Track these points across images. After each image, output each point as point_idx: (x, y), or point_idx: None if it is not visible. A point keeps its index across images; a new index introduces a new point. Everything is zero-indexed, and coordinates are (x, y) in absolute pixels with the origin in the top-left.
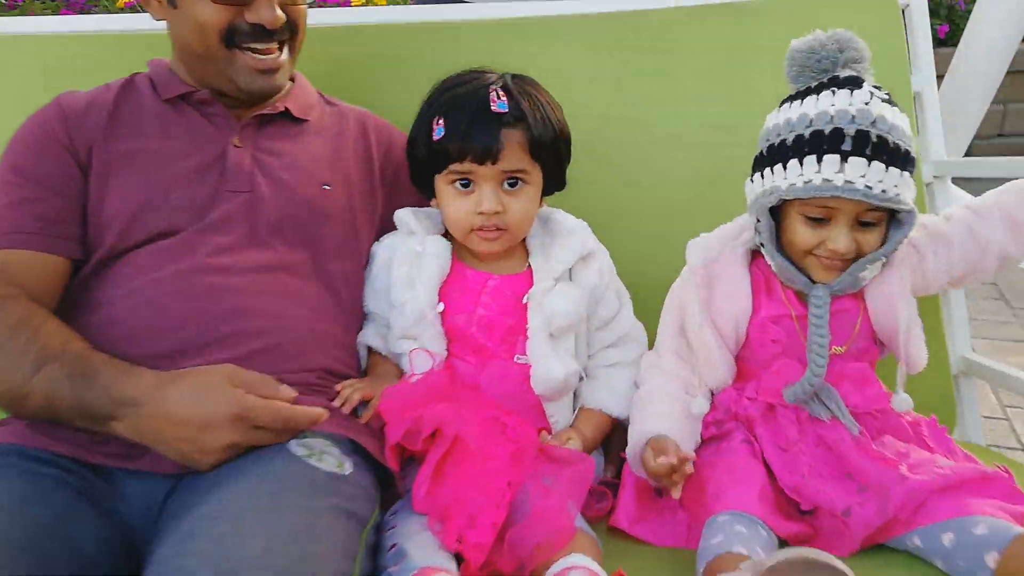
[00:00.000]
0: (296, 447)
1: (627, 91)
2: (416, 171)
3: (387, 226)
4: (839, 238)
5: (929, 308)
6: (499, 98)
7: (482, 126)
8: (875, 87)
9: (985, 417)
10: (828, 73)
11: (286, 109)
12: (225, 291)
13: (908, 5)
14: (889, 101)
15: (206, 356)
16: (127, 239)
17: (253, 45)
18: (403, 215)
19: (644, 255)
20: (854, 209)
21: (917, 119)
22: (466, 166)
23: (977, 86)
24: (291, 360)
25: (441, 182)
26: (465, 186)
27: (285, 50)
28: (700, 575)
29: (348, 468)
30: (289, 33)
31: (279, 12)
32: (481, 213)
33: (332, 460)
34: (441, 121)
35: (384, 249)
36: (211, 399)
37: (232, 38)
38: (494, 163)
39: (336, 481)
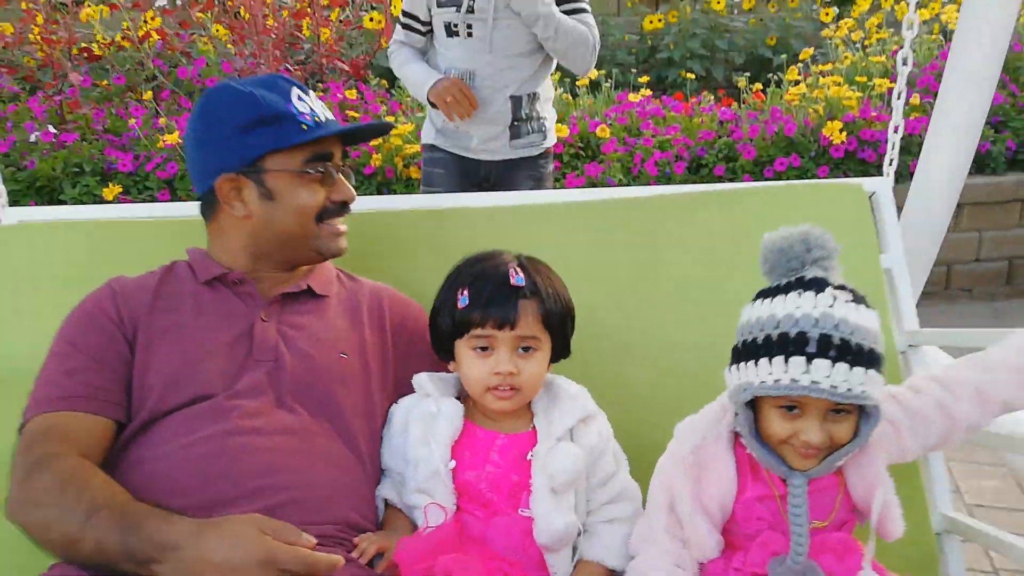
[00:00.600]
0: None
1: (621, 271)
2: (438, 337)
3: (400, 387)
4: (811, 431)
5: (909, 469)
6: (517, 273)
7: (502, 297)
8: (840, 287)
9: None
10: (796, 272)
11: (308, 287)
12: (255, 451)
13: (875, 192)
14: (855, 300)
15: (238, 508)
16: (166, 403)
17: (335, 219)
18: (421, 379)
19: (637, 419)
20: (823, 404)
21: (888, 294)
22: (487, 331)
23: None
24: (315, 513)
25: (462, 346)
26: (484, 350)
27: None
28: None
29: None
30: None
31: (352, 192)
32: (497, 373)
33: None
34: (466, 292)
35: (401, 411)
36: (242, 544)
37: (322, 216)
38: (512, 329)
39: None
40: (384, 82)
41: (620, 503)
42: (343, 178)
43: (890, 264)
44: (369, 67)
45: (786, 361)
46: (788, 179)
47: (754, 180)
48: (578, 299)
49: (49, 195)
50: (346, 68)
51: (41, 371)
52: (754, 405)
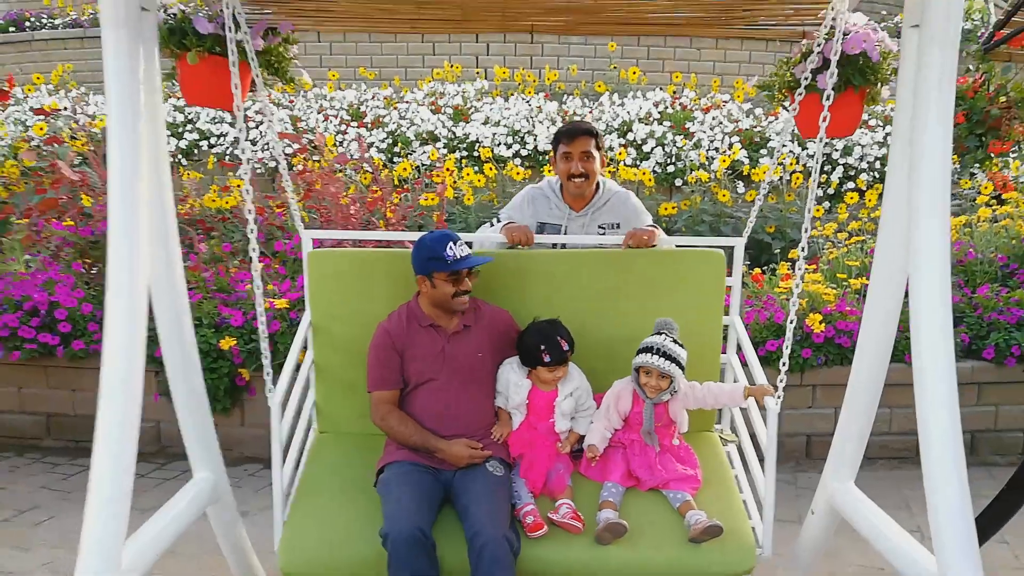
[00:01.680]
0: (486, 465)
1: (591, 304)
2: (526, 358)
3: (502, 358)
4: (651, 382)
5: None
6: (567, 342)
7: (560, 357)
8: (672, 337)
9: None
10: (658, 329)
11: (463, 325)
12: (453, 403)
13: (733, 247)
14: (676, 341)
15: (451, 432)
16: (415, 382)
17: (462, 297)
18: (513, 364)
19: (599, 379)
20: (657, 372)
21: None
22: (553, 366)
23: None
24: (477, 430)
25: (541, 370)
26: (551, 371)
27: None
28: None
29: (500, 471)
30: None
31: (470, 284)
32: (553, 377)
33: (498, 467)
34: (547, 355)
35: (503, 372)
36: (459, 446)
37: (454, 296)
38: (561, 365)
39: (498, 479)
40: None
41: (588, 410)
42: (466, 281)
43: (732, 321)
44: None
45: (648, 354)
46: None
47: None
48: (573, 322)
49: None
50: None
51: (369, 368)
52: (638, 371)
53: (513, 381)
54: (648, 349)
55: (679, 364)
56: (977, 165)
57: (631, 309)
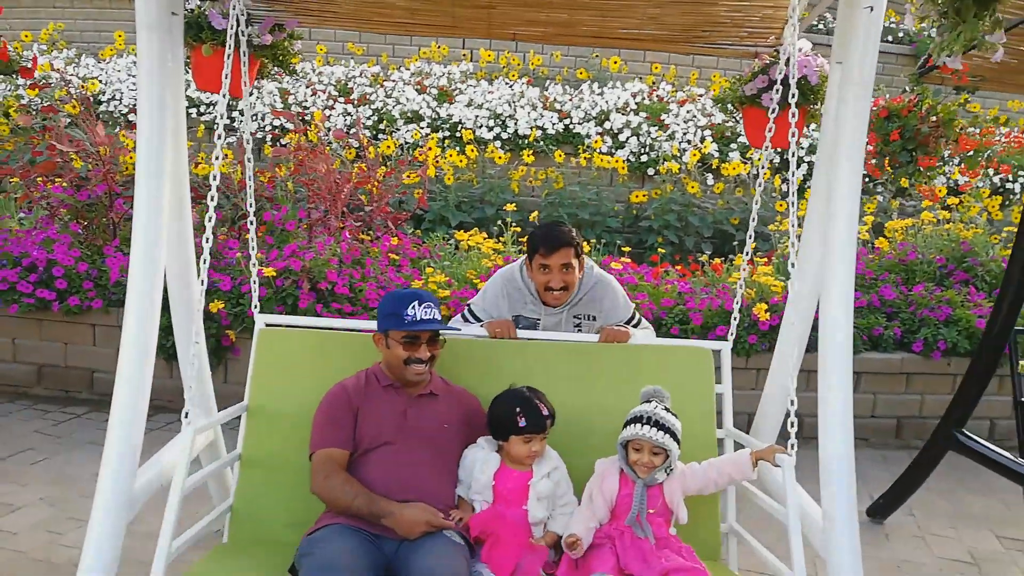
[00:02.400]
0: (447, 533)
1: (571, 388)
2: (499, 429)
3: (467, 442)
4: (644, 458)
5: (712, 498)
6: (547, 408)
7: (540, 423)
8: (664, 406)
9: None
10: (647, 396)
11: (430, 391)
12: (409, 474)
13: (720, 351)
14: (667, 410)
15: (407, 498)
16: (368, 446)
17: (415, 365)
18: (481, 441)
19: (577, 464)
20: (649, 445)
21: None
22: (532, 436)
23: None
24: (436, 502)
25: (516, 439)
26: (528, 442)
27: (429, 365)
28: None
29: (460, 541)
30: (431, 360)
31: (427, 353)
32: (534, 451)
33: (458, 537)
34: (523, 418)
35: (470, 453)
36: (418, 511)
37: (407, 362)
38: (543, 433)
39: (457, 545)
40: (418, 232)
41: (567, 504)
42: (424, 348)
43: (721, 392)
44: (407, 221)
45: (637, 425)
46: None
47: (700, 339)
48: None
49: (164, 303)
50: (390, 225)
51: (315, 425)
52: (626, 447)
53: (479, 459)
54: (637, 420)
55: (674, 436)
56: (908, 177)
57: (611, 405)
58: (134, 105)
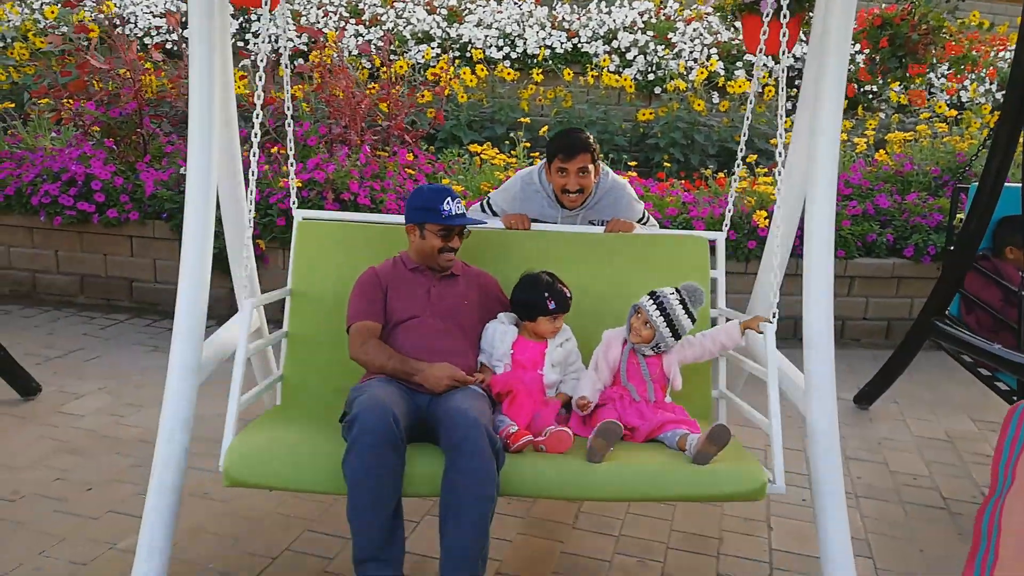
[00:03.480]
0: (472, 387)
1: (583, 270)
2: (525, 310)
3: (487, 318)
4: (636, 326)
5: (704, 366)
6: (568, 290)
7: (564, 304)
8: (682, 299)
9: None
10: (683, 287)
11: (451, 272)
12: (435, 341)
13: (715, 240)
14: (684, 306)
15: (436, 360)
16: (396, 319)
17: (447, 254)
18: (502, 316)
19: (587, 335)
20: (645, 318)
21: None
22: (557, 316)
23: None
24: (462, 367)
25: (543, 319)
26: (554, 319)
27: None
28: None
29: (483, 394)
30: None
31: (458, 243)
32: (556, 328)
33: (481, 391)
34: (553, 301)
35: (491, 326)
36: (443, 368)
37: (441, 251)
38: (564, 312)
39: (481, 394)
40: (431, 148)
41: (576, 371)
42: (456, 239)
43: (715, 277)
44: (424, 139)
45: (649, 298)
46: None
47: None
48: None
49: None
50: (408, 140)
51: (351, 303)
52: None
53: (500, 331)
54: (651, 294)
55: (672, 325)
56: (900, 84)
57: (619, 286)
58: (149, 27)
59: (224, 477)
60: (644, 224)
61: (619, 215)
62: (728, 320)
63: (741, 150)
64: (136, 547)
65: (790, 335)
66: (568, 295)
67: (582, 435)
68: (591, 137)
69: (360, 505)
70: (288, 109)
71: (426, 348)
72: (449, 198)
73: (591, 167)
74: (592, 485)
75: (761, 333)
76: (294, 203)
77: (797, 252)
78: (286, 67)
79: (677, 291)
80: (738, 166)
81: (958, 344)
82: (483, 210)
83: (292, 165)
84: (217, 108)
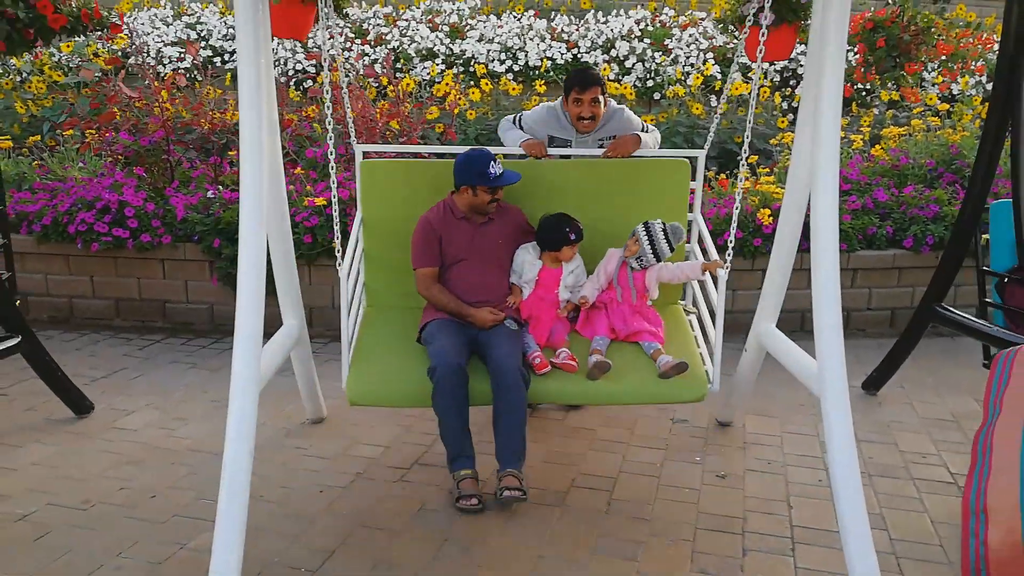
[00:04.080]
0: (505, 323)
1: (591, 197)
2: (550, 242)
3: (518, 244)
4: (628, 243)
5: (676, 288)
6: (581, 225)
7: (580, 232)
8: (666, 231)
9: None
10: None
11: (489, 217)
12: (479, 277)
13: (696, 157)
14: (667, 237)
15: (479, 300)
16: (449, 262)
17: (494, 203)
18: (528, 246)
19: (592, 252)
20: (635, 240)
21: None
22: (573, 244)
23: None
24: (497, 299)
25: (566, 247)
26: (574, 246)
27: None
28: (590, 365)
29: (515, 327)
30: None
31: (501, 194)
32: (571, 257)
33: (513, 324)
34: (572, 233)
35: (519, 255)
36: (486, 314)
37: (489, 203)
38: (579, 242)
39: (513, 332)
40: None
41: (581, 286)
42: (500, 191)
43: (695, 217)
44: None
45: (640, 225)
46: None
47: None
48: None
49: (228, 236)
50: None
51: (414, 247)
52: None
53: (528, 261)
54: (645, 224)
55: (654, 248)
56: (893, 82)
57: (614, 207)
58: (160, 55)
59: (348, 400)
60: (646, 132)
61: (623, 131)
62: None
63: (745, 151)
64: (206, 545)
65: (797, 327)
66: (582, 227)
67: (583, 335)
68: (600, 74)
69: (447, 426)
70: (336, 85)
71: (473, 286)
72: (492, 162)
73: (601, 98)
74: (590, 396)
75: (715, 275)
76: (353, 140)
77: (803, 247)
78: (349, 85)
79: (663, 224)
80: (743, 163)
81: (957, 327)
82: (512, 123)
83: (348, 105)
84: (266, 133)
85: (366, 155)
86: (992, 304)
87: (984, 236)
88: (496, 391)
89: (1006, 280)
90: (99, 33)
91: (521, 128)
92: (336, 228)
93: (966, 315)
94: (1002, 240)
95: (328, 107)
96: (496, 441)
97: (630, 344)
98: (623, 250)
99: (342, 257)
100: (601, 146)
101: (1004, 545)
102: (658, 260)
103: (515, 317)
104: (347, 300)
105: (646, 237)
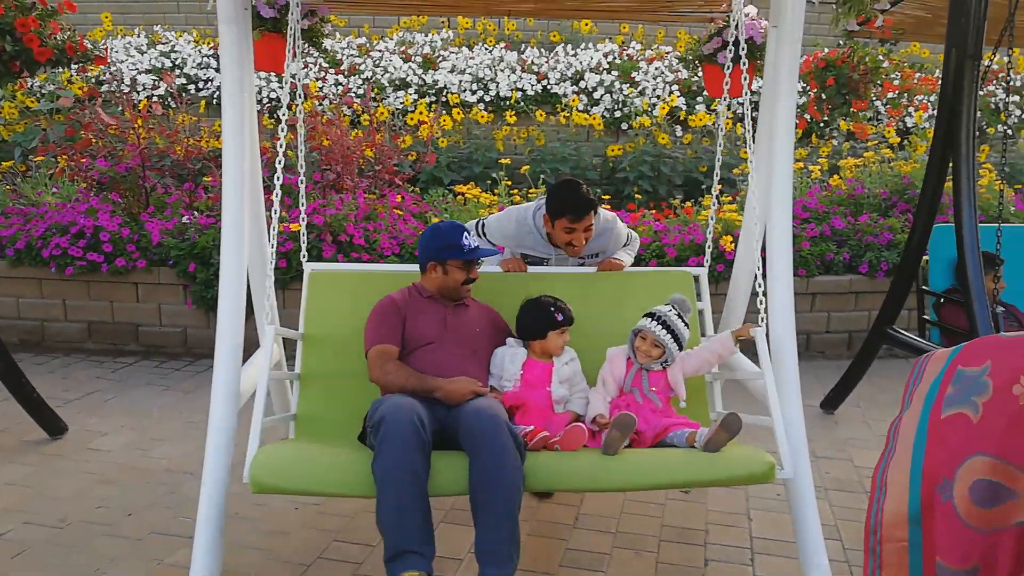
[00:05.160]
0: (487, 397)
1: (585, 305)
2: (531, 331)
3: (494, 345)
4: (644, 348)
5: (700, 381)
6: (569, 307)
7: (569, 314)
8: (679, 314)
9: None
10: (672, 301)
11: (464, 302)
12: (452, 364)
13: (698, 276)
14: (681, 318)
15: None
16: (414, 345)
17: (469, 284)
18: (511, 340)
19: (590, 359)
20: (653, 339)
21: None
22: (563, 329)
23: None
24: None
25: (553, 334)
26: (561, 333)
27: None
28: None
29: (498, 403)
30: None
31: (476, 273)
32: (562, 343)
33: (495, 399)
34: (559, 313)
35: (499, 351)
36: (462, 382)
37: (463, 283)
38: (567, 327)
39: (496, 402)
40: (417, 190)
41: (582, 390)
42: (475, 270)
43: (701, 308)
44: (409, 181)
45: (649, 319)
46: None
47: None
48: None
49: (203, 260)
50: (398, 182)
51: (368, 328)
52: (636, 334)
53: (509, 353)
54: (651, 315)
55: (677, 339)
56: (843, 118)
57: (612, 319)
58: (134, 83)
59: (252, 484)
60: (628, 244)
61: (608, 248)
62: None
63: (716, 176)
64: (184, 561)
65: (803, 349)
66: (570, 309)
67: (591, 446)
68: (591, 192)
69: (390, 504)
70: (301, 167)
71: (441, 372)
72: (464, 234)
73: (594, 221)
74: (610, 475)
75: (752, 339)
76: (304, 256)
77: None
78: (300, 125)
79: (672, 306)
80: (715, 200)
81: (907, 349)
82: (477, 232)
83: (303, 220)
84: (248, 162)
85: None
86: (929, 321)
87: (924, 258)
88: (473, 456)
89: (942, 300)
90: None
91: (487, 239)
92: (269, 285)
93: (916, 337)
94: (941, 261)
95: (299, 135)
96: (476, 531)
97: (657, 447)
98: (630, 353)
99: (269, 314)
100: (582, 264)
101: (894, 512)
102: (681, 348)
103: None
104: (268, 358)
105: (664, 332)
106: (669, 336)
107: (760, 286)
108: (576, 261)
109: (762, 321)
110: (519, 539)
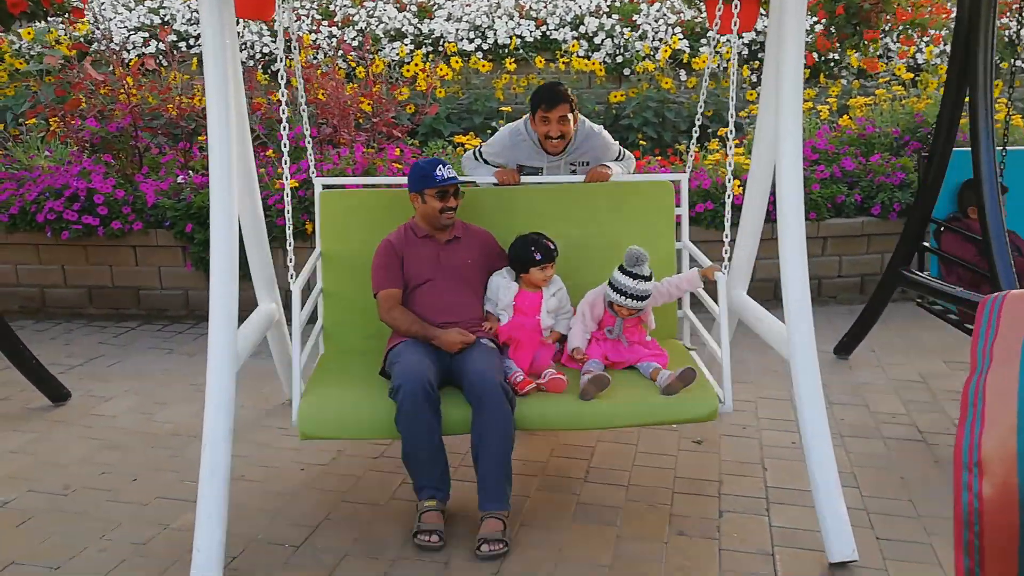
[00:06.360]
0: (479, 341)
1: (573, 222)
2: (519, 263)
3: (490, 271)
4: (624, 313)
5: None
6: (551, 243)
7: (549, 256)
8: (644, 275)
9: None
10: (632, 260)
11: (454, 236)
12: (447, 298)
13: (679, 181)
14: (646, 277)
15: (446, 321)
16: (413, 284)
17: (448, 213)
18: (503, 271)
19: (576, 286)
20: (630, 310)
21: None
22: (545, 266)
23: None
24: (468, 324)
25: (535, 270)
26: (543, 269)
27: (455, 211)
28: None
29: (493, 346)
30: (456, 207)
31: (454, 203)
32: (546, 277)
33: (491, 343)
34: (539, 253)
35: (494, 279)
36: (454, 334)
37: (442, 211)
38: (551, 264)
39: (491, 349)
40: (415, 142)
41: (567, 313)
42: (452, 199)
43: (684, 244)
44: (408, 133)
45: (622, 296)
46: (705, 217)
47: None
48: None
49: (201, 220)
50: (396, 135)
51: (374, 271)
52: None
53: (503, 285)
54: (623, 292)
55: (641, 298)
56: (852, 49)
57: (598, 230)
58: (125, 41)
59: (299, 434)
60: (621, 160)
61: (597, 156)
62: (692, 263)
63: (698, 121)
64: (189, 524)
65: (770, 296)
66: (552, 247)
67: (572, 367)
68: (569, 89)
69: (412, 450)
70: (303, 109)
71: (439, 308)
72: (440, 166)
73: (570, 116)
74: (583, 418)
75: (714, 281)
76: (313, 173)
77: (771, 218)
78: (298, 80)
79: (626, 271)
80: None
81: (924, 290)
82: (475, 158)
83: (309, 142)
84: (233, 118)
85: (326, 187)
86: (928, 249)
87: None
88: (474, 411)
89: (942, 228)
90: (61, 19)
91: (485, 162)
92: (288, 222)
93: (933, 278)
94: (946, 187)
95: (298, 89)
96: (476, 474)
97: (627, 369)
98: (605, 304)
99: (295, 272)
100: (574, 171)
101: (998, 499)
102: (645, 299)
103: (492, 339)
104: (299, 323)
105: (631, 300)
106: (634, 301)
107: (727, 238)
108: (567, 168)
109: (725, 269)
110: (511, 475)
